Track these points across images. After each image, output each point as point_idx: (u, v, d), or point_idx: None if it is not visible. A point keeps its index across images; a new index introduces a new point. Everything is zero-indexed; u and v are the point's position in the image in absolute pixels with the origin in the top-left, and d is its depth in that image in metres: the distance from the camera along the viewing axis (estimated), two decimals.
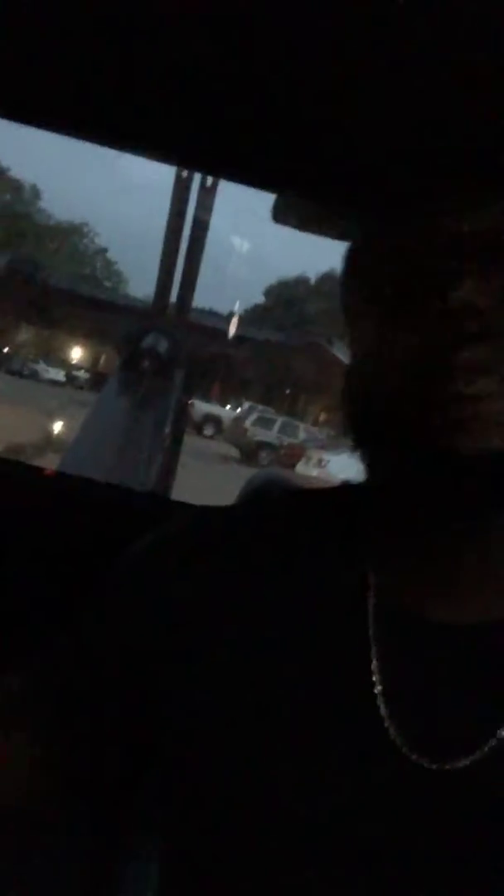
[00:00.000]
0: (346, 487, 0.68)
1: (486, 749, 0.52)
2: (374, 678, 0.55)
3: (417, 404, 0.52)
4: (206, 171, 0.91)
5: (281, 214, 0.97)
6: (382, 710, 0.54)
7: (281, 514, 0.67)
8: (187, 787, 0.57)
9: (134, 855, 0.71)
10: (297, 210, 0.93)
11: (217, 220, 5.22)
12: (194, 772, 0.56)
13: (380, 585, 0.58)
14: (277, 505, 0.69)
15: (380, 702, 0.54)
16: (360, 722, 0.54)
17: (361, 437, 0.59)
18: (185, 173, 4.74)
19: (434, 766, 0.52)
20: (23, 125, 0.79)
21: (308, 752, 0.54)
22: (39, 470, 1.12)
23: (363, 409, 0.58)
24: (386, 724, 0.53)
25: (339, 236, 0.93)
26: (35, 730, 0.62)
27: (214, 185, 5.17)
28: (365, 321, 0.59)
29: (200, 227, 5.19)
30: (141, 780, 0.64)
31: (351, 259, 0.64)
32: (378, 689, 0.54)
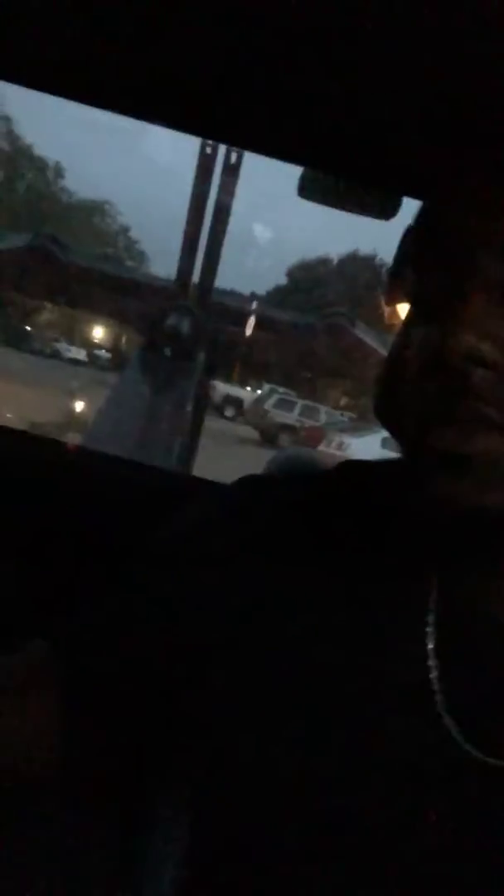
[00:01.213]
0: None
1: None
2: (429, 664, 0.53)
3: (426, 448, 0.50)
4: (231, 143, 0.90)
5: (307, 189, 0.96)
6: (438, 697, 0.52)
7: (335, 486, 0.64)
8: (229, 764, 0.55)
9: (160, 829, 0.71)
10: (323, 185, 0.92)
11: (238, 206, 5.18)
12: (237, 748, 0.55)
13: (443, 572, 0.56)
14: (329, 477, 0.66)
15: (435, 688, 0.52)
16: (414, 707, 0.53)
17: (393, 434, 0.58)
18: (209, 149, 4.70)
19: (488, 760, 0.51)
20: (48, 95, 0.79)
21: (359, 734, 0.52)
22: (62, 444, 1.13)
23: (393, 416, 0.56)
24: (440, 711, 0.52)
25: (366, 212, 0.92)
26: (60, 696, 0.62)
27: (238, 164, 5.12)
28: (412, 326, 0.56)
29: (223, 207, 5.15)
30: (171, 753, 0.64)
31: (409, 242, 0.59)
32: (434, 675, 0.53)
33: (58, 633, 0.63)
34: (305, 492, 0.64)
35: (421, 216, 0.58)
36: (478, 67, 0.54)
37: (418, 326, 0.53)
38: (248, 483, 0.66)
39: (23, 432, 1.16)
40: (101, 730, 0.62)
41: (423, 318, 0.53)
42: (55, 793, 0.65)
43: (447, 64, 0.56)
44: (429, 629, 0.54)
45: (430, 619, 0.55)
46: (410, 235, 0.59)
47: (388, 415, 0.56)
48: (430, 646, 0.54)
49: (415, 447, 0.51)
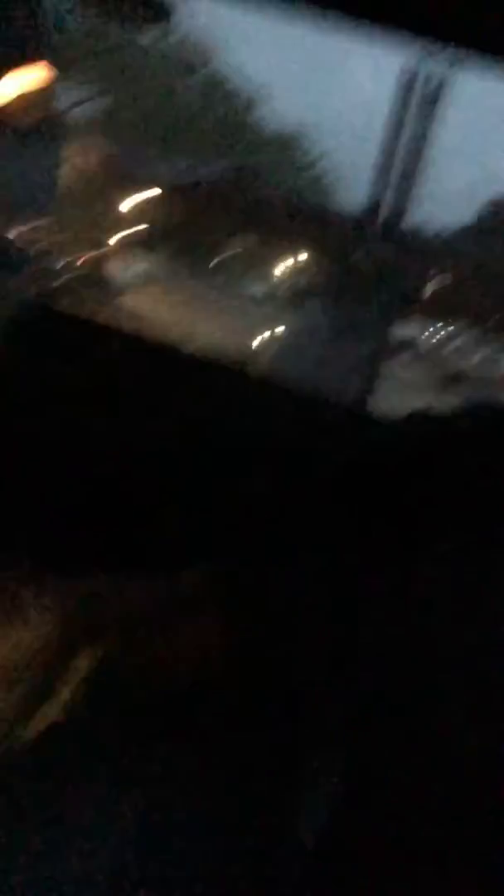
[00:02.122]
0: None
1: None
2: None
3: None
4: (448, 44, 0.84)
5: None
6: None
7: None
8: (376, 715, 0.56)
9: (316, 770, 0.72)
10: None
11: (438, 142, 4.92)
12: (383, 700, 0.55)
13: None
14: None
15: None
16: None
17: None
18: (409, 78, 4.47)
19: None
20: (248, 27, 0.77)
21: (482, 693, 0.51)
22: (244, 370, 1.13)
23: None
24: None
25: None
26: (219, 619, 0.63)
27: (439, 94, 4.85)
28: None
29: (421, 139, 4.92)
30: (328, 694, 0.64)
31: None
32: None
33: (219, 564, 0.64)
34: (472, 426, 0.61)
35: None
36: None
37: None
38: (418, 418, 0.63)
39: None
40: (259, 651, 0.63)
41: None
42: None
43: None
44: None
45: None
46: None
47: None
48: None
49: None
